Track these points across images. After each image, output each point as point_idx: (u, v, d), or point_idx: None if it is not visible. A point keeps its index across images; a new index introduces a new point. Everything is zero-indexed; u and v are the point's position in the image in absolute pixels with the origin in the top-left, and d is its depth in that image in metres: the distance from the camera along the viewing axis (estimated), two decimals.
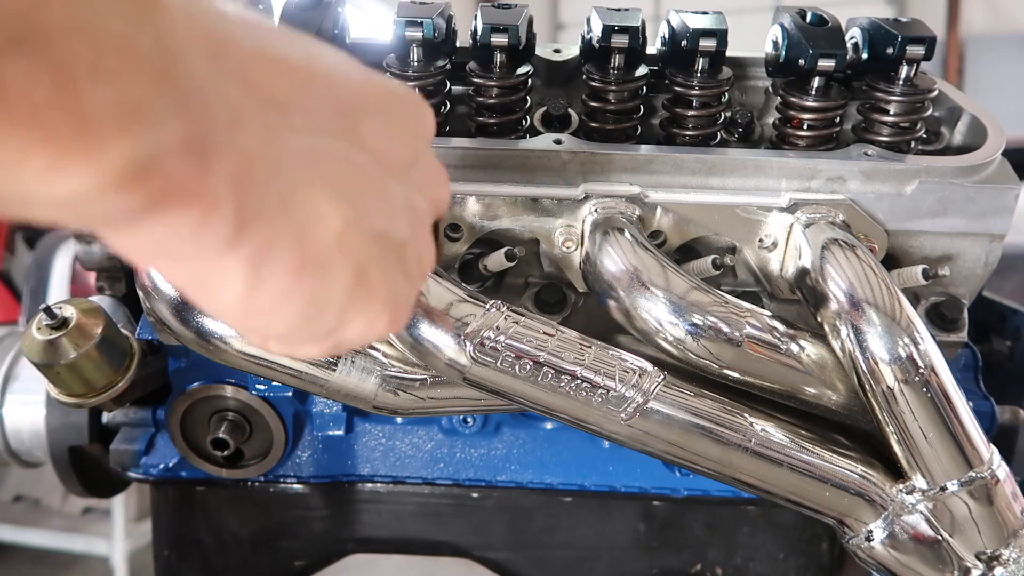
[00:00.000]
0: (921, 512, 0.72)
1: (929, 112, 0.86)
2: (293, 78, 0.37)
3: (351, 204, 0.39)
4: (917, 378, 0.69)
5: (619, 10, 0.87)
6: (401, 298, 0.44)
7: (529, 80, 0.88)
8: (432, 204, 0.48)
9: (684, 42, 0.84)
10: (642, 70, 0.86)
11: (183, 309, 0.74)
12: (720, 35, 0.83)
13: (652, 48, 0.90)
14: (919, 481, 0.72)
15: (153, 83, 0.29)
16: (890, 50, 0.83)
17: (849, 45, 0.86)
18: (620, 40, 0.84)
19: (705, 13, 0.87)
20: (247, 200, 0.34)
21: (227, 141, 0.33)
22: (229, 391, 0.96)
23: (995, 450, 0.73)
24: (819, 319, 0.74)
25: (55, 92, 0.27)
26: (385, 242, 0.41)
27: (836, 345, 0.72)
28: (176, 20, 0.31)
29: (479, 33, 0.85)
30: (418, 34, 0.83)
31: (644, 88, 0.87)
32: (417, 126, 0.46)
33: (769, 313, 0.75)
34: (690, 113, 0.86)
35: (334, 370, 0.76)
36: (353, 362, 0.76)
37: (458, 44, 0.90)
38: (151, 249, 0.35)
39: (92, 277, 1.06)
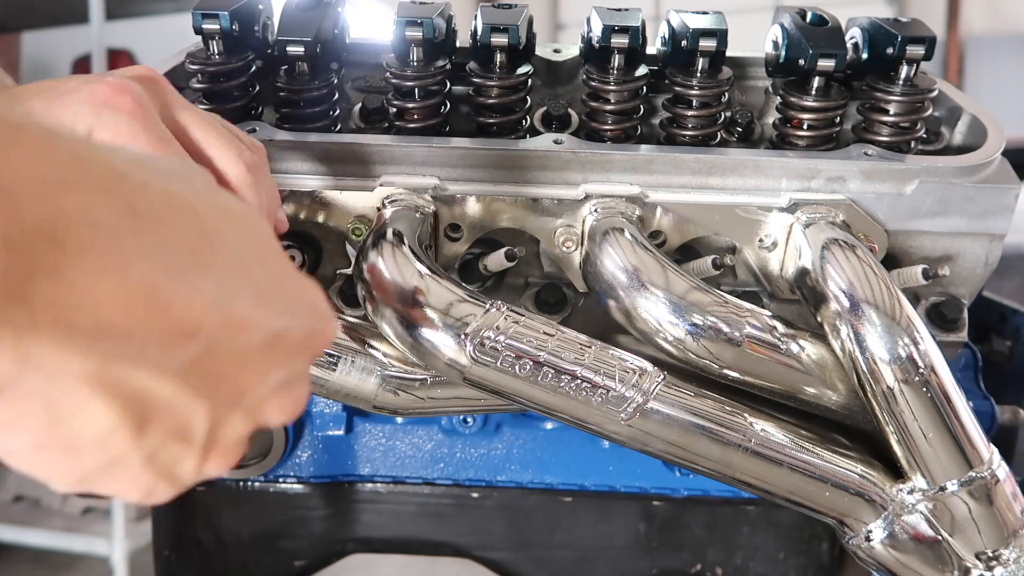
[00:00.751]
0: (921, 512, 0.72)
1: (929, 112, 0.86)
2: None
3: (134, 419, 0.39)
4: (917, 378, 0.69)
5: (619, 10, 0.87)
6: (159, 494, 0.46)
7: (529, 80, 0.88)
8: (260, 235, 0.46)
9: (684, 42, 0.84)
10: (642, 70, 0.86)
11: None
12: (720, 35, 0.83)
13: (652, 48, 0.90)
14: (919, 481, 0.72)
15: None
16: (890, 50, 0.83)
17: (849, 45, 0.86)
18: (620, 40, 0.84)
19: (705, 13, 0.87)
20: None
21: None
22: None
23: (995, 450, 0.73)
24: (819, 319, 0.74)
25: None
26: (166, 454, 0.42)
27: (836, 345, 0.72)
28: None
29: (479, 33, 0.85)
30: (418, 34, 0.83)
31: (644, 88, 0.87)
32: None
33: (769, 313, 0.75)
34: (690, 113, 0.86)
35: (334, 370, 0.76)
36: (353, 362, 0.76)
37: (458, 44, 0.90)
38: None
39: None
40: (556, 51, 0.95)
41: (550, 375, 0.69)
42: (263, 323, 0.42)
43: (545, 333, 0.70)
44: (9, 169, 0.32)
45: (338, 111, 0.90)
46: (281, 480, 1.02)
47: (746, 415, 0.74)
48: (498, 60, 0.86)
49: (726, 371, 0.74)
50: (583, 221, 0.80)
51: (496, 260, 0.80)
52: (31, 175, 0.33)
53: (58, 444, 0.38)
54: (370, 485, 1.03)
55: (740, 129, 0.91)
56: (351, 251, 0.82)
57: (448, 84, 0.88)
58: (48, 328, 0.34)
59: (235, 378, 0.43)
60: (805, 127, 0.86)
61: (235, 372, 0.42)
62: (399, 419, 1.01)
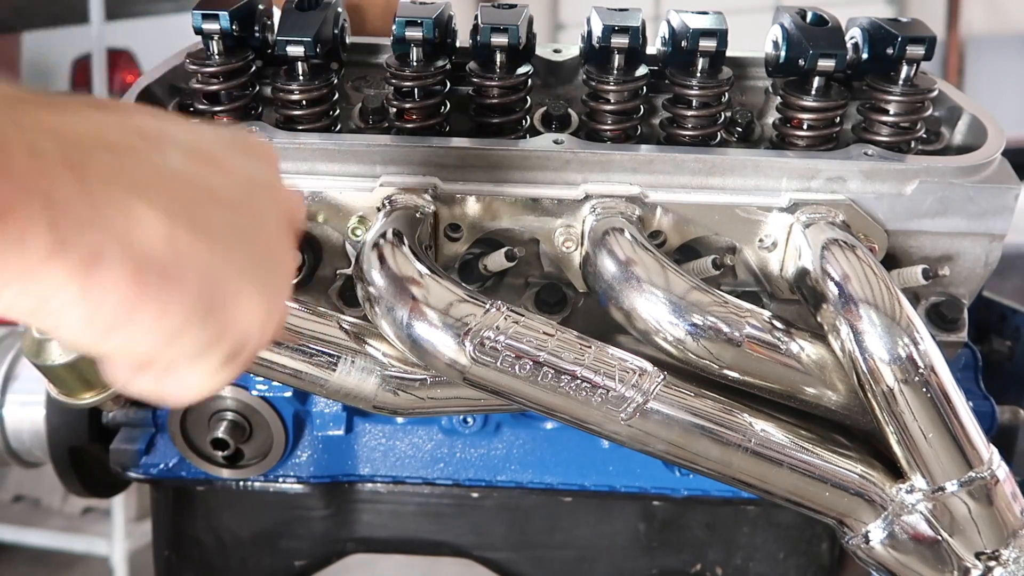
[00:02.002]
0: (921, 512, 0.72)
1: (929, 112, 0.86)
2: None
3: (174, 205, 0.40)
4: (917, 378, 0.69)
5: (619, 10, 0.87)
6: (271, 288, 0.45)
7: (529, 80, 0.87)
8: (284, 210, 0.50)
9: (684, 42, 0.84)
10: (642, 70, 0.86)
11: None
12: (720, 35, 0.83)
13: (652, 48, 0.90)
14: (919, 481, 0.72)
15: None
16: (890, 50, 0.83)
17: (849, 45, 0.86)
18: (620, 40, 0.84)
19: (705, 13, 0.87)
20: (60, 209, 0.36)
21: (30, 155, 0.35)
22: (229, 391, 0.96)
23: (995, 450, 0.73)
24: (819, 319, 0.74)
25: None
26: (226, 239, 0.42)
27: (836, 345, 0.72)
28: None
29: (479, 33, 0.85)
30: (418, 34, 0.83)
31: (644, 88, 0.87)
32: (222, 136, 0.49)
33: (769, 313, 0.75)
34: (690, 113, 0.86)
35: (334, 370, 0.75)
36: (353, 362, 0.76)
37: (458, 44, 0.90)
38: None
39: None
40: (556, 51, 0.95)
41: (550, 375, 0.69)
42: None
43: (545, 333, 0.70)
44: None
45: (338, 111, 0.90)
46: (281, 480, 1.02)
47: (746, 415, 0.73)
48: (498, 60, 0.86)
49: (726, 371, 0.74)
50: (583, 221, 0.80)
51: (496, 260, 0.80)
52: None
53: (146, 267, 0.39)
54: (370, 485, 1.03)
55: (740, 129, 0.91)
56: (351, 251, 0.82)
57: (448, 84, 0.88)
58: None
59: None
60: (805, 127, 0.86)
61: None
62: (399, 419, 1.01)
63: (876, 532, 0.74)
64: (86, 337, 0.40)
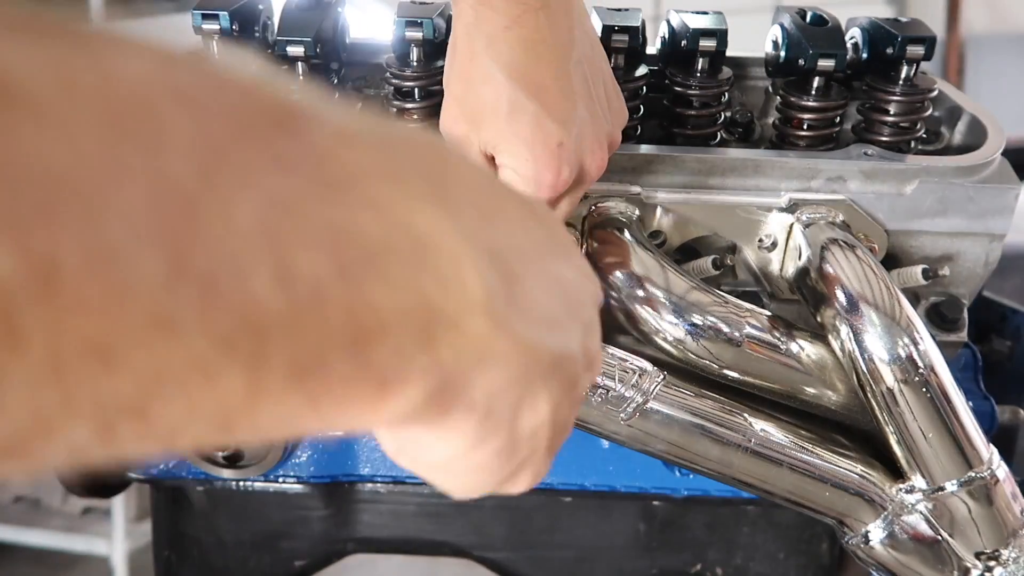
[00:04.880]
0: (920, 512, 0.72)
1: (929, 112, 0.86)
2: (544, 285, 0.37)
3: (557, 396, 0.38)
4: (917, 378, 0.69)
5: (619, 10, 0.87)
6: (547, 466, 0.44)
7: None
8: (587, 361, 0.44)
9: (684, 42, 0.84)
10: (642, 70, 0.86)
11: None
12: (720, 35, 0.83)
13: (652, 48, 0.90)
14: (919, 481, 0.72)
15: (435, 337, 0.30)
16: (890, 50, 0.83)
17: (849, 45, 0.86)
18: (620, 40, 0.84)
19: (705, 13, 0.87)
20: (485, 402, 0.34)
21: (485, 362, 0.33)
22: None
23: (995, 450, 0.73)
24: (819, 319, 0.74)
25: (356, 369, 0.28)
26: (562, 427, 0.42)
27: (836, 345, 0.72)
28: (469, 258, 0.30)
29: None
30: (418, 34, 0.83)
31: (644, 88, 0.87)
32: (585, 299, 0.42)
33: (769, 313, 0.75)
34: (690, 113, 0.86)
35: None
36: None
37: None
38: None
39: None
40: None
41: None
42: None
43: None
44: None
45: None
46: (281, 480, 1.02)
47: (746, 415, 0.74)
48: None
49: (726, 371, 0.74)
50: (583, 221, 0.80)
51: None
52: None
53: (512, 445, 0.38)
54: (370, 485, 1.03)
55: (740, 129, 0.91)
56: None
57: None
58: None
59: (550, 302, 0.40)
60: (805, 127, 0.86)
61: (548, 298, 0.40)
62: None
63: (876, 532, 0.74)
64: (421, 466, 0.40)
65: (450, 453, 0.37)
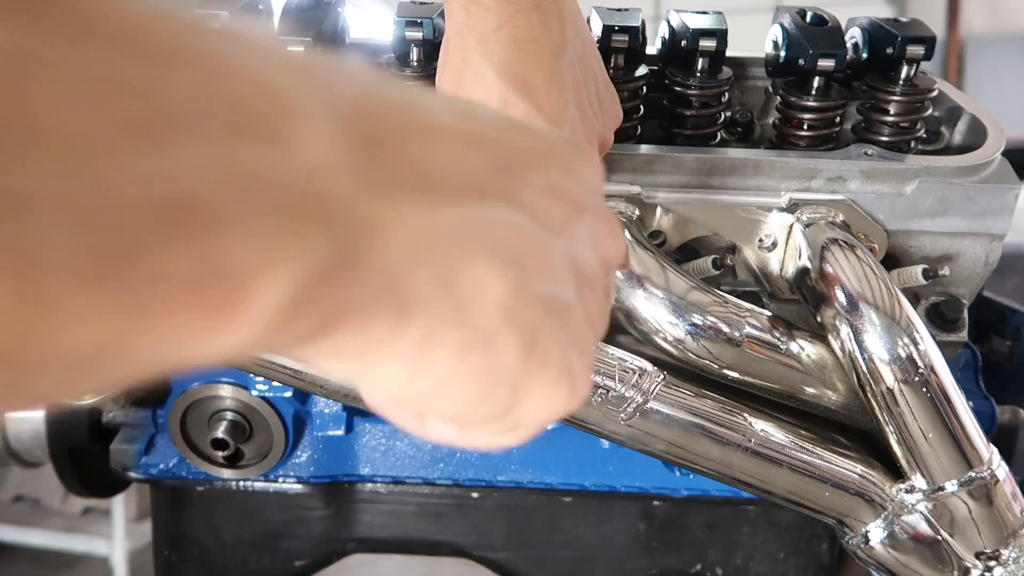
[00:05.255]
0: (921, 512, 0.72)
1: (929, 112, 0.86)
2: (448, 146, 0.34)
3: (513, 269, 0.34)
4: (917, 378, 0.69)
5: (619, 10, 0.87)
6: (576, 366, 0.38)
7: None
8: (602, 259, 0.42)
9: (684, 42, 0.84)
10: (642, 70, 0.86)
11: None
12: (720, 35, 0.83)
13: (652, 48, 0.90)
14: (919, 481, 0.72)
15: (291, 210, 0.25)
16: (890, 50, 0.83)
17: (849, 45, 0.86)
18: (620, 40, 0.84)
19: (705, 13, 0.87)
20: (405, 289, 0.30)
21: (379, 237, 0.29)
22: (229, 391, 0.96)
23: (995, 450, 0.73)
24: (819, 319, 0.74)
25: (200, 265, 0.23)
26: (551, 306, 0.37)
27: (836, 345, 0.72)
28: (311, 117, 0.27)
29: None
30: (418, 34, 0.83)
31: (644, 88, 0.87)
32: (580, 178, 0.41)
33: (769, 313, 0.75)
34: (690, 113, 0.86)
35: None
36: None
37: None
38: (310, 356, 0.32)
39: None
40: None
41: None
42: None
43: None
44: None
45: None
46: (281, 480, 1.02)
47: (746, 415, 0.74)
48: None
49: (726, 371, 0.74)
50: None
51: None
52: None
53: (477, 338, 0.33)
54: (370, 485, 1.03)
55: (740, 129, 0.91)
56: None
57: None
58: (413, 201, 0.30)
59: (551, 204, 0.38)
60: (805, 127, 0.86)
61: (549, 200, 0.38)
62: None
63: (876, 532, 0.74)
64: (390, 402, 0.36)
65: (402, 368, 0.33)
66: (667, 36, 0.88)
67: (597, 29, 0.85)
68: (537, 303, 0.35)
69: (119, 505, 2.95)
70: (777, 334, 0.74)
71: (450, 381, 0.34)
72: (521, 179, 0.37)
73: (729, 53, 0.85)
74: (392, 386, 0.34)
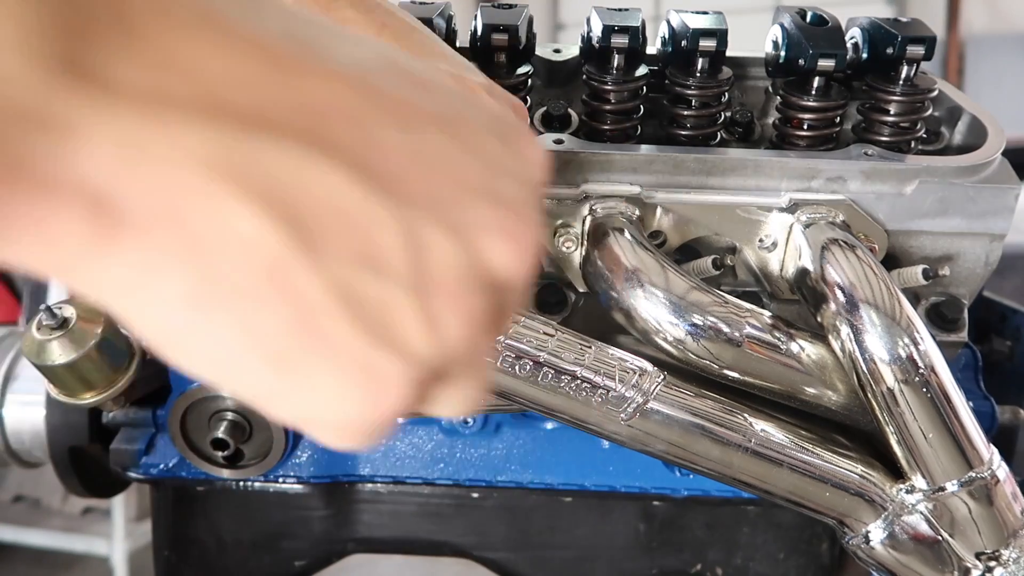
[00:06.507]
0: (921, 512, 0.72)
1: (929, 112, 0.86)
2: (246, 61, 0.29)
3: (295, 230, 0.29)
4: (917, 378, 0.69)
5: (619, 10, 0.87)
6: (385, 370, 0.32)
7: (529, 80, 0.87)
8: (482, 265, 0.34)
9: (684, 42, 0.84)
10: (642, 70, 0.86)
11: None
12: (720, 35, 0.83)
13: (652, 48, 0.90)
14: (919, 481, 0.72)
15: None
16: (890, 50, 0.83)
17: (849, 45, 0.86)
18: (620, 40, 0.84)
19: (705, 13, 0.87)
20: (103, 191, 0.27)
21: (72, 131, 0.26)
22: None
23: (995, 450, 0.73)
24: (819, 319, 0.74)
25: None
26: (352, 297, 0.31)
27: (836, 345, 0.72)
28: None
29: (479, 33, 0.85)
30: None
31: (644, 88, 0.87)
32: (507, 155, 0.35)
33: (769, 313, 0.75)
34: (690, 113, 0.86)
35: None
36: None
37: (458, 44, 0.90)
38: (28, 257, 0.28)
39: None
40: (556, 51, 0.95)
41: (550, 375, 0.69)
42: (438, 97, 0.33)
43: (545, 333, 0.70)
44: None
45: None
46: (281, 480, 1.02)
47: (746, 415, 0.74)
48: (499, 60, 0.86)
49: (726, 371, 0.74)
50: (583, 221, 0.80)
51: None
52: None
53: (213, 289, 0.29)
54: (370, 485, 1.03)
55: (740, 129, 0.91)
56: None
57: None
58: (140, 103, 0.26)
59: (412, 171, 0.31)
60: (805, 127, 0.86)
61: (410, 163, 0.31)
62: (399, 419, 1.01)
63: (876, 532, 0.74)
64: (156, 345, 0.32)
65: (145, 302, 0.29)
66: (667, 36, 0.88)
67: (597, 29, 0.85)
68: (330, 284, 0.30)
69: (119, 505, 2.95)
70: (777, 334, 0.74)
71: (195, 324, 0.30)
72: (382, 131, 0.30)
73: (729, 53, 0.85)
74: (144, 323, 0.30)
